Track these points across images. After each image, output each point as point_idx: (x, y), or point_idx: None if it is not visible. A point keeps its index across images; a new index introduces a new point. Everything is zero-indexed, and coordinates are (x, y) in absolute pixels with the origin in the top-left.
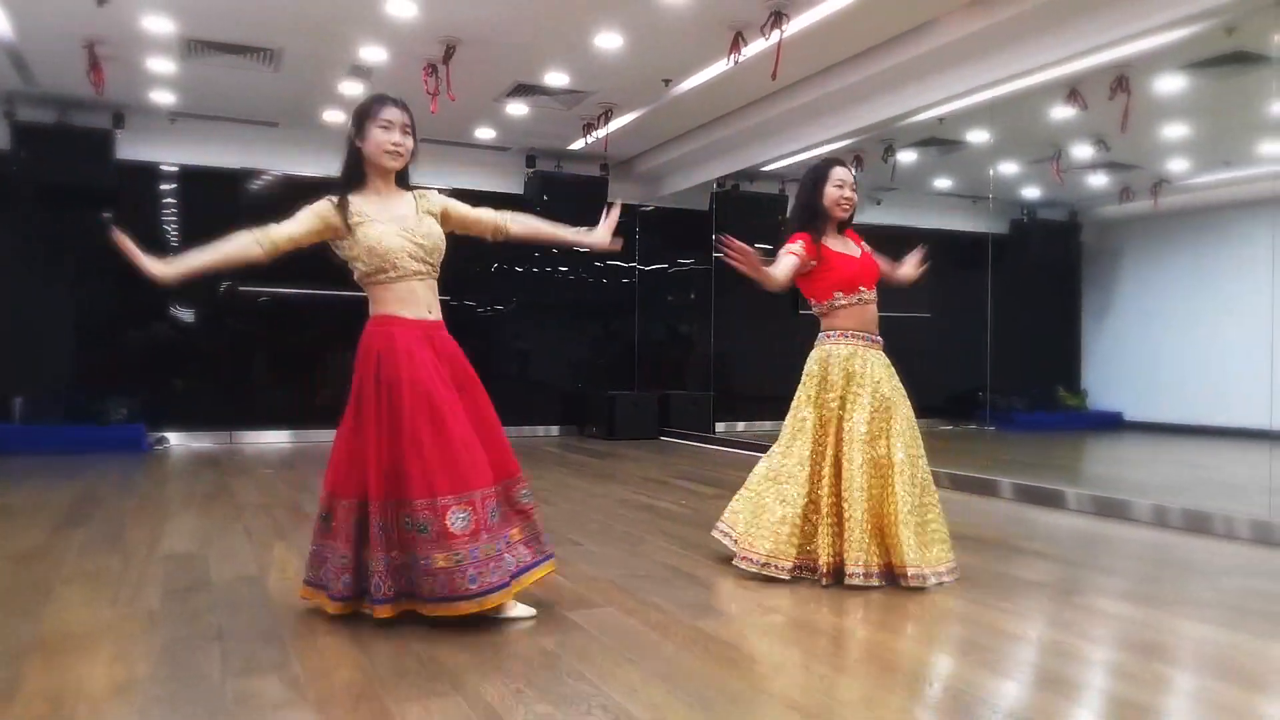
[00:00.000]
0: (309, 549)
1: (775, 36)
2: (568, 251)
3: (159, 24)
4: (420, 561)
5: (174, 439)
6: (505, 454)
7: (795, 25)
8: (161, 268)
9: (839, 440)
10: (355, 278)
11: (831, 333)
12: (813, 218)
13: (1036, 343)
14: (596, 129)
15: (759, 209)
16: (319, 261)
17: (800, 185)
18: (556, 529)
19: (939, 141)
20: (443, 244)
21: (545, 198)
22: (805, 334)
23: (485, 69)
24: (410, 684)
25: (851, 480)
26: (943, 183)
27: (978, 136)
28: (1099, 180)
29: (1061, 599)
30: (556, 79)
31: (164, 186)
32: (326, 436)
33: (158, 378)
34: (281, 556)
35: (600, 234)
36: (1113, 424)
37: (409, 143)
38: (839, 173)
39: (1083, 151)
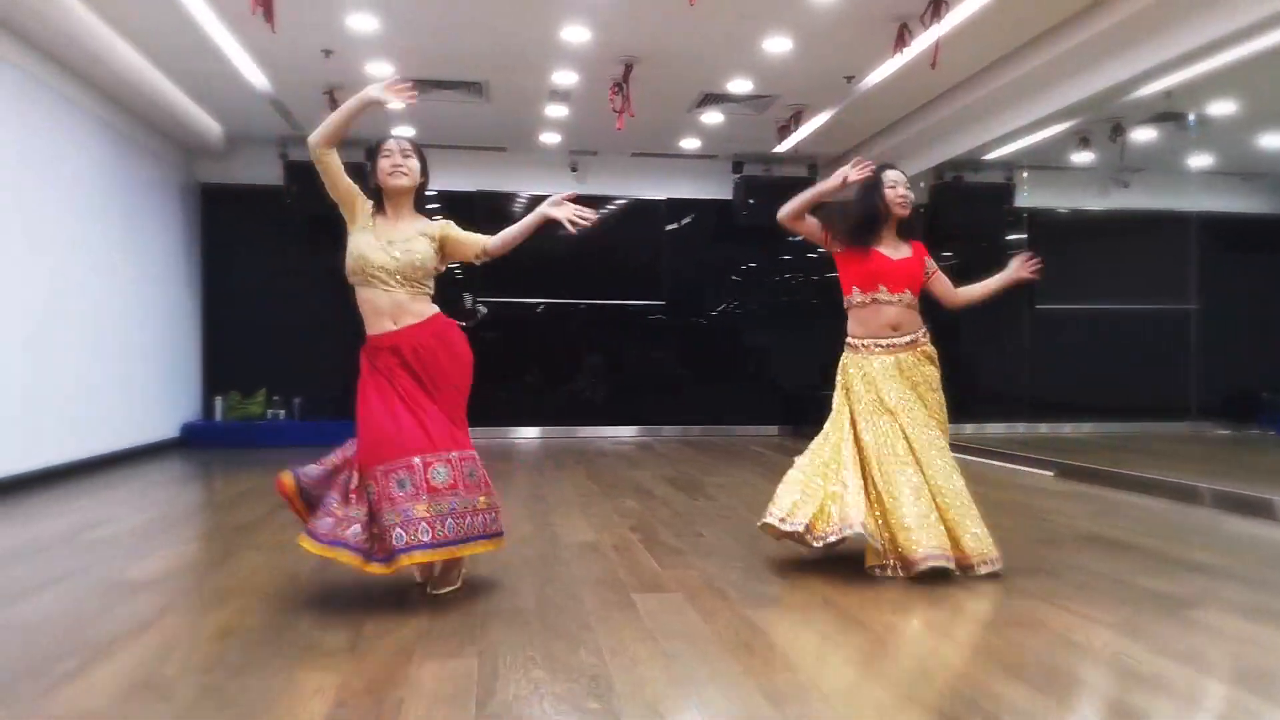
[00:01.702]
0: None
1: (936, 25)
2: (794, 255)
3: (380, 68)
4: None
5: None
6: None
7: (957, 11)
8: None
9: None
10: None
11: (848, 338)
12: (871, 220)
13: None
14: (791, 130)
15: (983, 200)
16: (563, 274)
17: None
18: (693, 522)
19: (1172, 116)
20: (425, 263)
21: (751, 201)
22: (1042, 330)
23: (670, 83)
24: (440, 644)
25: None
26: (1201, 160)
27: (1221, 107)
28: None
29: None
30: (739, 86)
31: None
32: (575, 433)
33: None
34: None
35: (548, 207)
36: None
37: (410, 163)
38: (891, 174)
39: None
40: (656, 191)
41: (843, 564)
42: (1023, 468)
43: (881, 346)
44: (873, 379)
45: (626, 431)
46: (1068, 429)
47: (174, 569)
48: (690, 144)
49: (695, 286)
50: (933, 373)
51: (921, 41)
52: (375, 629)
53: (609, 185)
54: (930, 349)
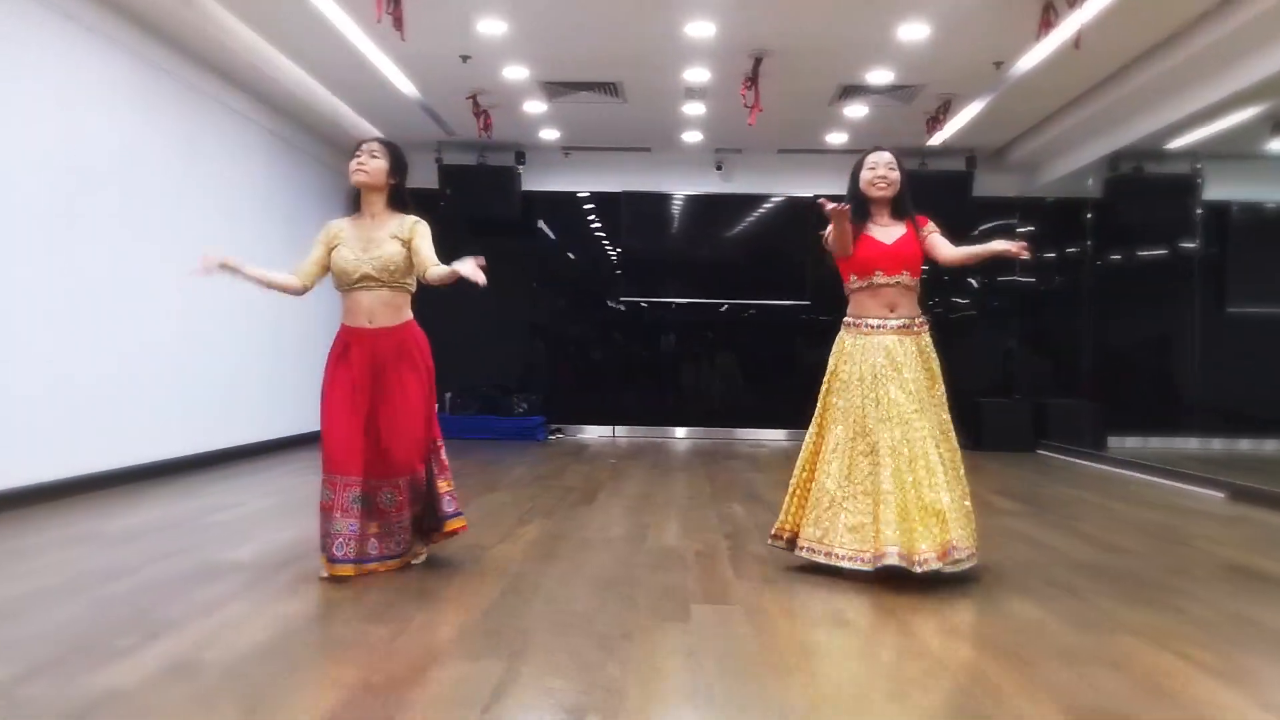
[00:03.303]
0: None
1: (1080, 6)
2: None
3: (517, 72)
4: None
5: (568, 431)
6: (395, 454)
7: None
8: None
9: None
10: (333, 286)
11: (846, 319)
12: (855, 203)
13: None
14: (941, 122)
15: (1164, 193)
16: (709, 274)
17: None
18: None
19: None
20: (395, 262)
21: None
22: (1232, 333)
23: (805, 76)
24: (476, 645)
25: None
26: None
27: None
28: None
29: None
30: (880, 76)
31: (558, 212)
32: (687, 432)
33: (555, 378)
34: (527, 530)
35: (455, 273)
36: None
37: (374, 163)
38: (871, 157)
39: None
40: (804, 188)
41: (939, 589)
42: (1190, 487)
43: (872, 326)
44: (857, 356)
45: (773, 435)
46: (1244, 445)
47: (267, 554)
48: (836, 138)
49: (841, 286)
50: (924, 360)
51: (1072, 21)
52: (421, 625)
53: (755, 183)
54: (925, 337)
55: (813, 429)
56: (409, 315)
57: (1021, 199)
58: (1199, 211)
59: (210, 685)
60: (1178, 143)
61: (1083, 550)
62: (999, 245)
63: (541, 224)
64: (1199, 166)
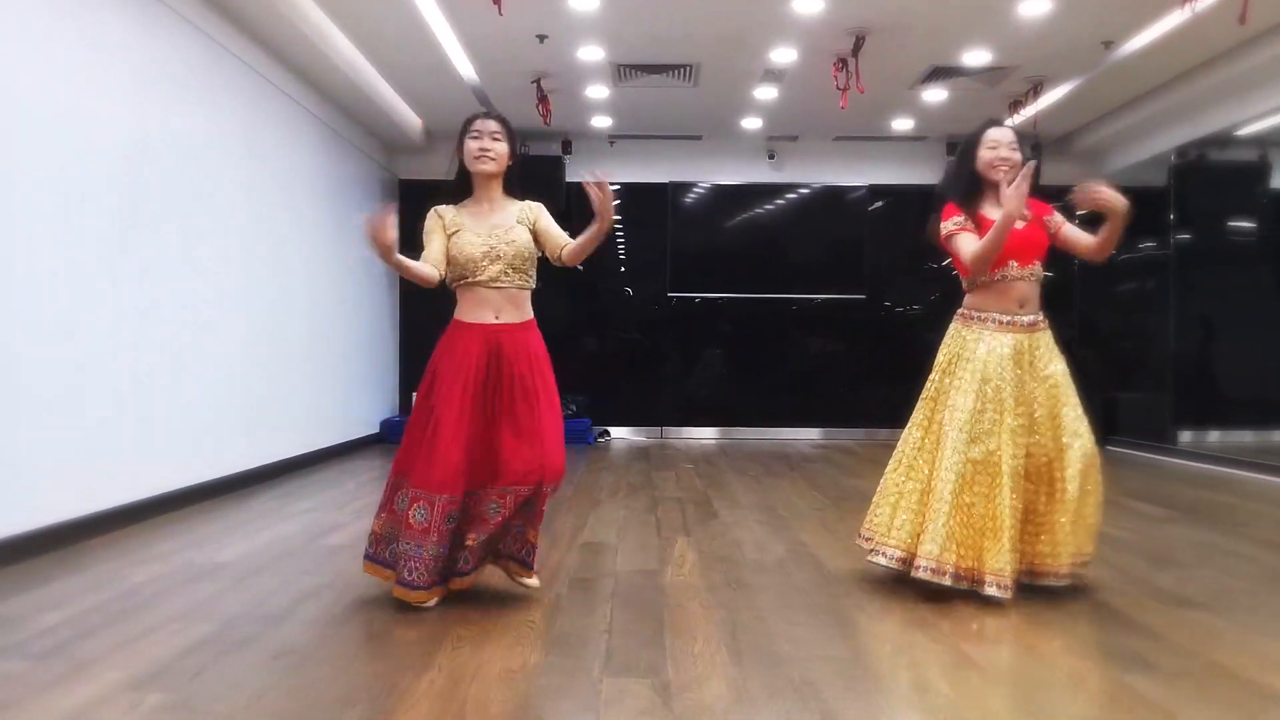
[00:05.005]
0: None
1: None
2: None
3: (592, 53)
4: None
5: (615, 433)
6: (517, 462)
7: None
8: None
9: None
10: (447, 281)
11: (966, 311)
12: (966, 184)
13: None
14: (1025, 105)
15: (1232, 181)
16: (757, 267)
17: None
18: None
19: None
20: (528, 252)
21: None
22: None
23: (898, 57)
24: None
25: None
26: None
27: None
28: None
29: None
30: (976, 57)
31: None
32: (747, 434)
33: (604, 379)
34: (681, 551)
35: (598, 225)
36: None
37: (499, 147)
38: (992, 134)
39: None
40: (858, 177)
41: (1114, 616)
42: None
43: (999, 323)
44: (984, 356)
45: (820, 434)
46: None
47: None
48: (902, 125)
49: (899, 277)
50: (1056, 365)
51: None
52: (681, 678)
53: (806, 172)
54: (1049, 335)
55: (918, 432)
56: (531, 312)
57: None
58: (1265, 201)
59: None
60: (1249, 129)
61: None
62: (1115, 201)
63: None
64: (1265, 154)
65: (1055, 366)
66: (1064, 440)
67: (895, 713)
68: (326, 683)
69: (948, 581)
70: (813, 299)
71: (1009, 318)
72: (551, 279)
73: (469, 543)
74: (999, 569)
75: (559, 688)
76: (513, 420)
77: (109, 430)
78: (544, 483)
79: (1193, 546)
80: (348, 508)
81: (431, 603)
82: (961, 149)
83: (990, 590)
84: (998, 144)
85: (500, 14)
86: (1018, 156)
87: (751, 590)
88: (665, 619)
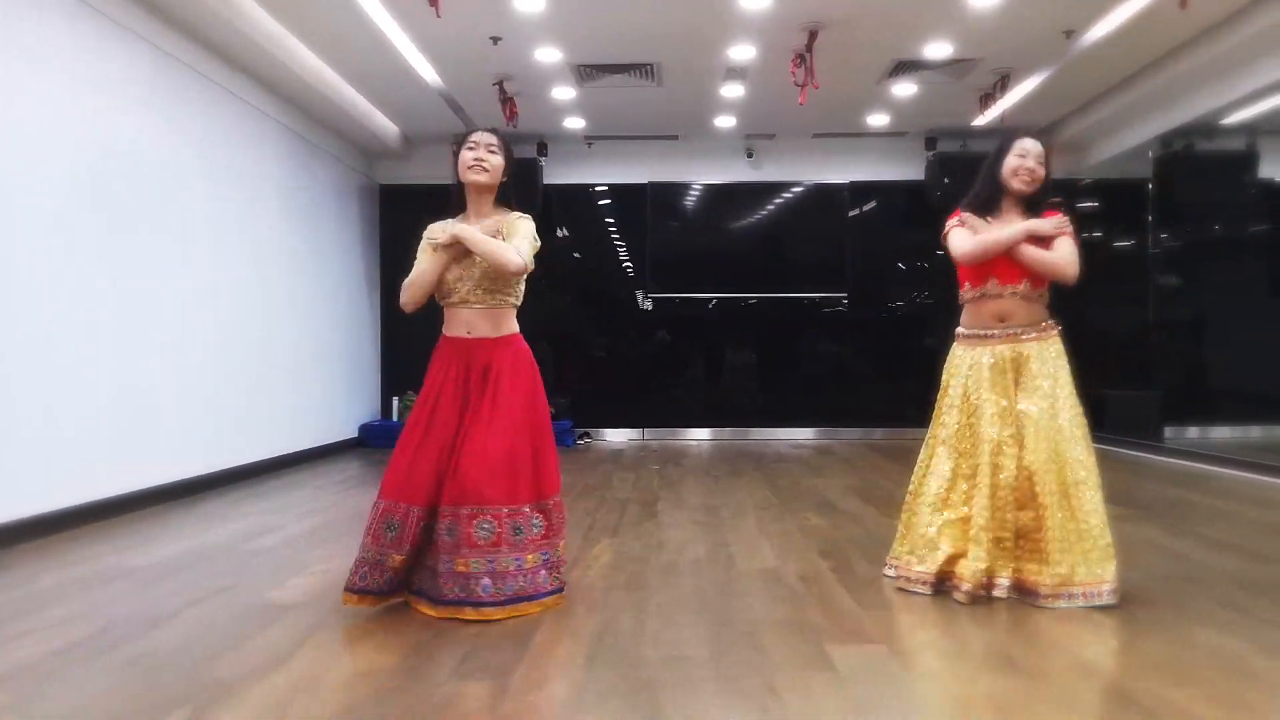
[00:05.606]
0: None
1: None
2: None
3: (549, 54)
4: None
5: (609, 435)
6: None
7: None
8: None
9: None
10: (435, 297)
11: (958, 330)
12: (989, 191)
13: None
14: (995, 99)
15: (1219, 172)
16: (739, 267)
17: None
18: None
19: None
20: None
21: (946, 181)
22: None
23: (858, 52)
24: (605, 708)
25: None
26: None
27: None
28: None
29: None
30: (938, 50)
31: (581, 206)
32: (721, 433)
33: (585, 381)
34: (599, 553)
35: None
36: None
37: (493, 159)
38: (1024, 143)
39: None
40: (839, 175)
41: (1095, 617)
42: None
43: (979, 337)
44: (966, 372)
45: (803, 434)
46: None
47: (324, 589)
48: (878, 120)
49: (881, 276)
50: (1052, 379)
51: None
52: (523, 680)
53: (787, 170)
54: (1049, 346)
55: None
56: (515, 327)
57: (1068, 180)
58: (1254, 192)
59: None
60: (1235, 117)
61: (1229, 561)
62: (1032, 225)
63: (561, 230)
64: (1254, 143)
65: (1050, 381)
66: (1046, 457)
67: (726, 713)
68: (167, 686)
69: (926, 590)
70: (794, 298)
71: (985, 332)
72: (552, 280)
73: (427, 562)
74: (968, 573)
75: (395, 690)
76: (466, 438)
77: (77, 436)
78: (457, 504)
79: (1132, 545)
80: (291, 511)
81: (362, 606)
82: (993, 153)
83: (956, 595)
84: (1026, 153)
85: (438, 15)
86: (1041, 171)
87: (648, 591)
88: (543, 620)
